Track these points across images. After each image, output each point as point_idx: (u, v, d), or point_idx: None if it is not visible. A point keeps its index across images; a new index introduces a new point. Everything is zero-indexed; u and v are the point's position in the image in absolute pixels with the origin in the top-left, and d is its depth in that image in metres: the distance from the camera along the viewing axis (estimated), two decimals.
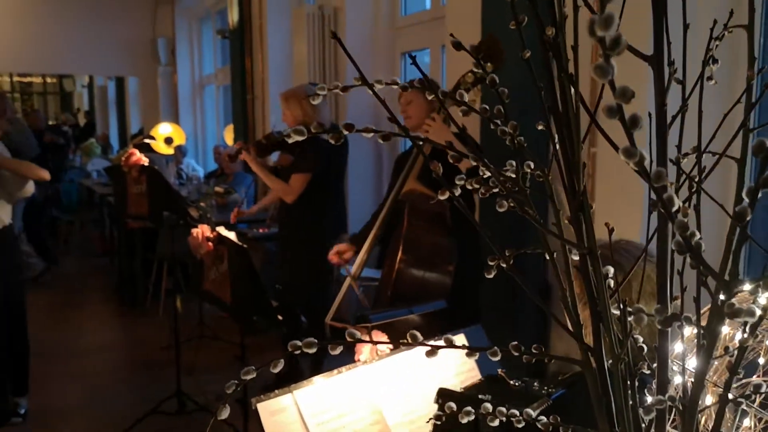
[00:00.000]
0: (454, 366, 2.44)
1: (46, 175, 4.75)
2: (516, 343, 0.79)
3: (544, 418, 0.83)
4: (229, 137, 9.61)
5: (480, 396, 1.84)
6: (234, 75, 8.93)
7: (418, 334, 0.83)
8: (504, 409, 0.85)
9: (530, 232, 3.66)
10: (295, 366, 5.33)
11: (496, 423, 0.87)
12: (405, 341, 0.83)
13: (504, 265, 0.80)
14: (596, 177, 3.50)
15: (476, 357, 0.82)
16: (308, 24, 6.75)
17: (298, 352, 0.85)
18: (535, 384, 2.11)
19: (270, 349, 5.96)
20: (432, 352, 0.80)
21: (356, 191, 6.43)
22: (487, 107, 0.83)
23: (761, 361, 1.21)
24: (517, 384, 2.10)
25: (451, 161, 0.79)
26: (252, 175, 8.27)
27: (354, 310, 4.36)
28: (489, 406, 0.87)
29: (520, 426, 0.84)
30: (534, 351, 0.79)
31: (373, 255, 4.21)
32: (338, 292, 3.93)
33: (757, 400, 1.16)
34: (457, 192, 0.85)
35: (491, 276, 0.82)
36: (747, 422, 1.21)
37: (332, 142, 0.73)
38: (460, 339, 2.53)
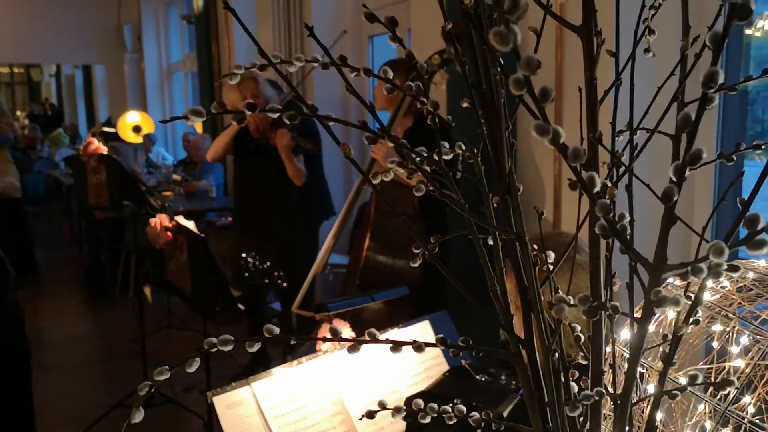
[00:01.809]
0: (418, 354, 2.40)
1: None
2: (442, 336, 0.74)
3: (476, 414, 0.78)
4: (198, 125, 9.50)
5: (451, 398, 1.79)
6: (201, 61, 8.82)
7: (347, 327, 0.78)
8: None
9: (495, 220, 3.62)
10: (263, 354, 5.23)
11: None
12: (328, 338, 0.78)
13: (426, 254, 0.75)
14: (562, 162, 3.45)
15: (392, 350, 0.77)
16: (274, 8, 6.67)
17: (214, 350, 0.80)
18: (503, 377, 2.06)
19: (236, 340, 5.88)
20: (353, 348, 0.75)
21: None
22: (411, 84, 0.77)
23: (715, 344, 1.18)
24: (483, 379, 2.05)
25: (366, 142, 0.73)
26: (220, 164, 8.19)
27: (324, 297, 4.31)
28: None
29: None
30: (461, 344, 0.74)
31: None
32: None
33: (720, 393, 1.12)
34: (390, 177, 0.80)
35: (416, 264, 0.77)
36: (701, 407, 1.18)
37: (234, 123, 0.68)
38: (424, 326, 2.49)
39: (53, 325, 7.17)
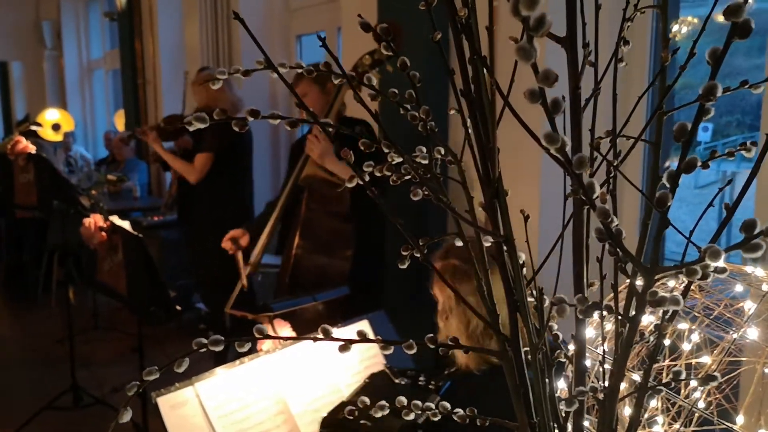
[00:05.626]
0: (358, 352, 2.42)
1: None
2: (432, 335, 0.76)
3: (460, 411, 0.81)
4: (119, 123, 9.36)
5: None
6: (124, 59, 8.69)
7: (330, 328, 0.79)
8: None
9: (431, 217, 3.66)
10: None
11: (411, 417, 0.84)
12: (316, 336, 0.79)
13: (418, 255, 0.77)
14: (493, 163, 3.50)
15: (391, 350, 0.79)
16: (200, 5, 6.60)
17: (203, 350, 0.81)
18: (421, 378, 2.10)
19: (168, 340, 5.84)
20: (345, 347, 0.77)
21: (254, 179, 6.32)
22: (396, 91, 0.80)
23: (666, 342, 1.23)
24: (403, 382, 2.09)
25: (362, 149, 0.75)
26: (144, 162, 8.08)
27: (255, 297, 4.30)
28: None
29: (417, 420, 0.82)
30: (450, 343, 0.77)
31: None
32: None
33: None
34: (366, 179, 0.82)
35: (404, 266, 0.79)
36: (654, 403, 1.23)
37: (236, 129, 0.69)
38: (363, 325, 2.51)
39: None
